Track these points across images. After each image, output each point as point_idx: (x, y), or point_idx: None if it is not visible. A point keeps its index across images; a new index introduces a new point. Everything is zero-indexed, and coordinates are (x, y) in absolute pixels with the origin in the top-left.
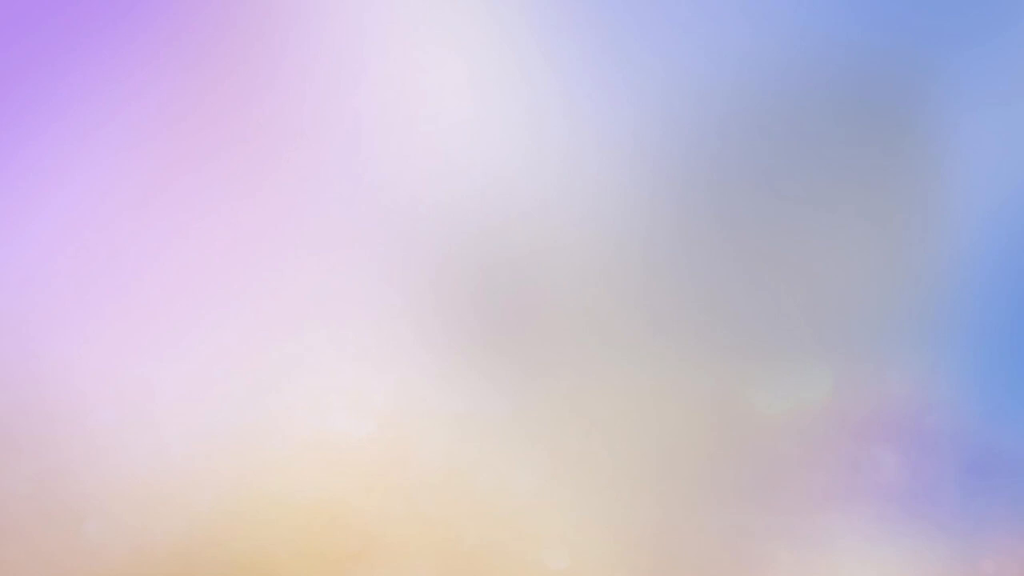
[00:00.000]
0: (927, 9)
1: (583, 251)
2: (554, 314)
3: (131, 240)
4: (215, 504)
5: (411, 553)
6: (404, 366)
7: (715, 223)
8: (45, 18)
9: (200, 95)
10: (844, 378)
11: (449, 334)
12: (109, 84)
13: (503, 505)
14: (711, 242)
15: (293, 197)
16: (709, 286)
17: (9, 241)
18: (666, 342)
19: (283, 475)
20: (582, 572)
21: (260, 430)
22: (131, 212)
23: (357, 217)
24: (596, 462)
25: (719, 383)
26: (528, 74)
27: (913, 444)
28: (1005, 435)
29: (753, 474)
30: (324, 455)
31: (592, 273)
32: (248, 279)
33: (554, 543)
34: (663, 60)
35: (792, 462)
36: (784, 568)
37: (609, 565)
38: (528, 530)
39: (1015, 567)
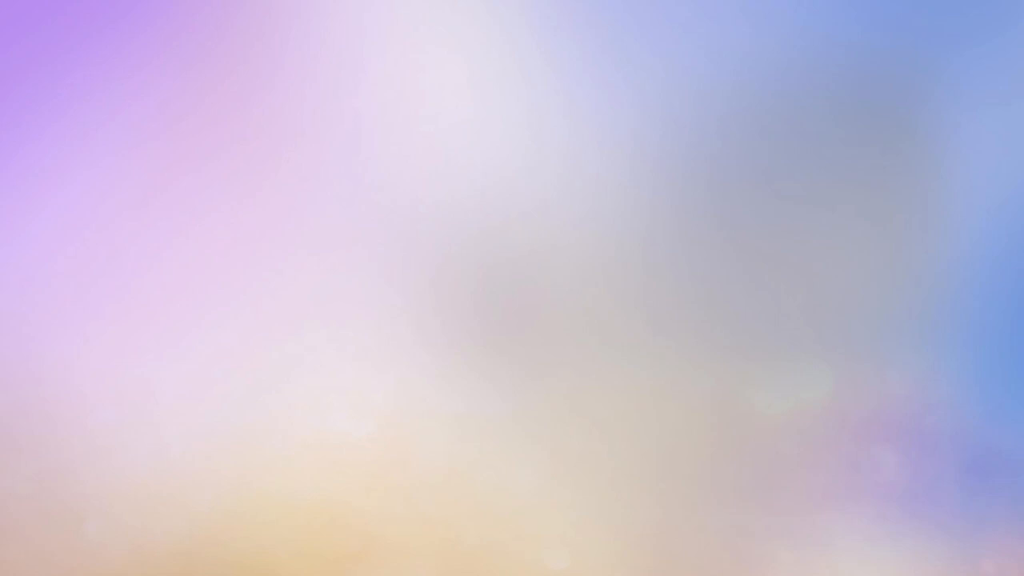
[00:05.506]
0: (927, 9)
1: (583, 251)
2: (554, 314)
3: (131, 240)
4: (215, 504)
5: (411, 553)
6: (404, 366)
7: (715, 223)
8: (45, 18)
9: (200, 95)
10: (844, 378)
11: (449, 334)
12: (109, 84)
13: (503, 505)
14: (711, 242)
15: (293, 197)
16: (709, 286)
17: (9, 241)
18: (666, 342)
19: (283, 475)
20: (582, 572)
21: (260, 430)
22: (131, 212)
23: (357, 217)
24: (596, 462)
25: (719, 383)
26: (528, 74)
27: (913, 444)
28: (1005, 435)
29: (753, 474)
30: (324, 455)
31: (592, 273)
32: (248, 279)
33: (554, 543)
34: (663, 60)
35: (792, 462)
36: (784, 568)
37: (609, 565)
38: (528, 530)
39: (1015, 567)
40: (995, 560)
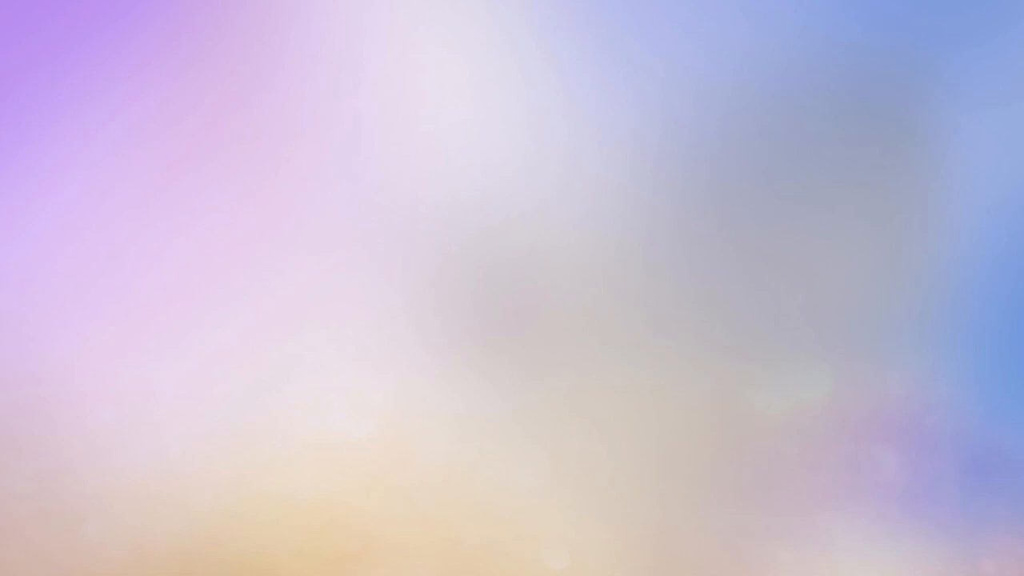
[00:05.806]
0: (927, 9)
1: (583, 251)
2: (554, 314)
3: (131, 240)
4: (215, 504)
5: (411, 553)
6: (404, 366)
7: (715, 223)
8: (45, 18)
9: (200, 95)
10: (844, 378)
11: (449, 334)
12: (109, 84)
13: (503, 505)
14: (711, 242)
15: (293, 197)
16: (709, 286)
17: (9, 241)
18: (666, 342)
19: (283, 475)
20: (582, 572)
21: (260, 430)
22: (131, 212)
23: (357, 217)
24: (596, 462)
25: (719, 383)
26: (528, 74)
27: (913, 444)
28: (1005, 435)
29: (753, 474)
30: (324, 455)
31: (592, 273)
32: (248, 279)
33: (554, 543)
34: (663, 60)
35: (792, 462)
36: (784, 568)
37: (609, 565)
38: (528, 530)
39: (1015, 567)
40: (995, 560)
